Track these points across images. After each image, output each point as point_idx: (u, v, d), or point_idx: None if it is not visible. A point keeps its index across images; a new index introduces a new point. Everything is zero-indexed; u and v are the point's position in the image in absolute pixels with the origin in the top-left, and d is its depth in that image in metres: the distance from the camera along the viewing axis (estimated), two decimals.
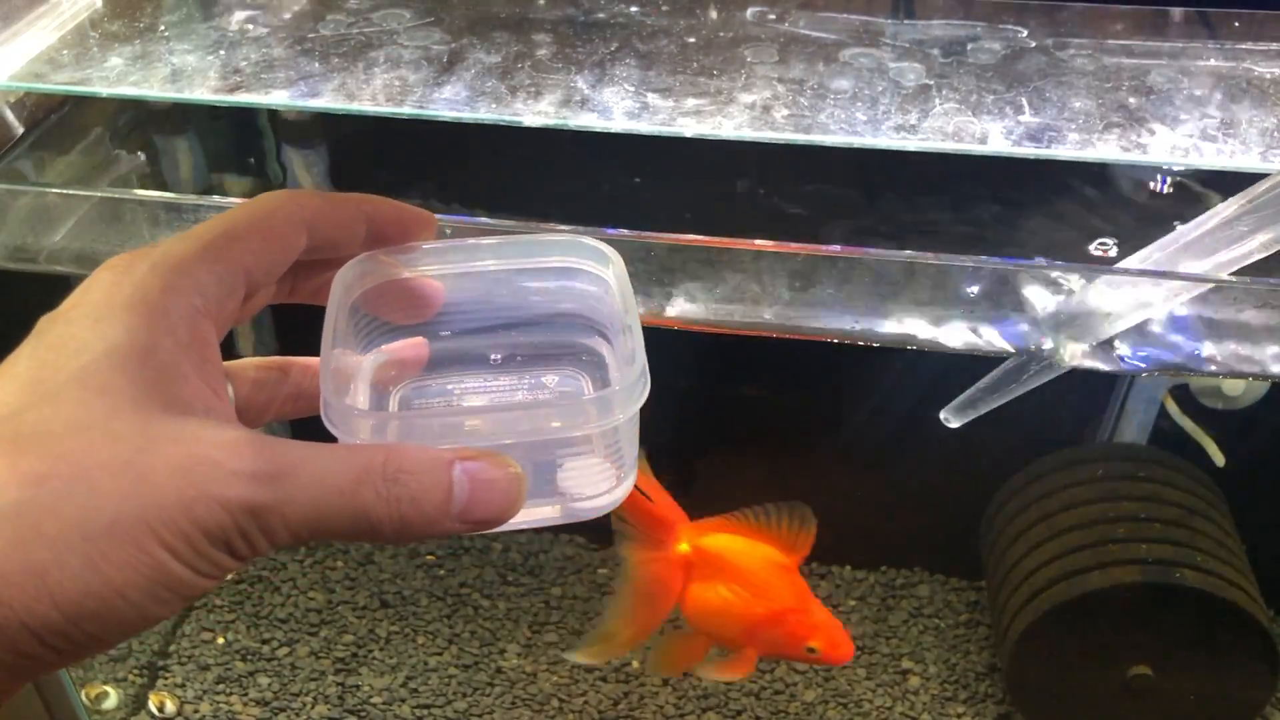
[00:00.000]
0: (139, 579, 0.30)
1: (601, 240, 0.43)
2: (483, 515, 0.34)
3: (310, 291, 0.42)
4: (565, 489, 0.39)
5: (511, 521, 0.35)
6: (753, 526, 0.98)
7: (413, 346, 0.43)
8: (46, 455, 0.30)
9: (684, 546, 0.98)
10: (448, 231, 0.57)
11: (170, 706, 1.17)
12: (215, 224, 0.37)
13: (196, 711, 1.17)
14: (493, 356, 0.43)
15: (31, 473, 0.30)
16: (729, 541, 0.98)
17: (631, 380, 0.37)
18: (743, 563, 0.98)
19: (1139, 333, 0.61)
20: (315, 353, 0.39)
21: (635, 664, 1.21)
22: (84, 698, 1.12)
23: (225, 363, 0.38)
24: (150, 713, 1.17)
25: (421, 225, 0.41)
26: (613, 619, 0.98)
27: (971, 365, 0.68)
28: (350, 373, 0.41)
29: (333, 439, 0.36)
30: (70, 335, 0.33)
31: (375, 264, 0.41)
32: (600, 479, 0.39)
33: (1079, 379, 1.16)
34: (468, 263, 0.43)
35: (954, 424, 0.59)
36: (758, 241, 0.60)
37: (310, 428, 0.37)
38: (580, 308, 0.43)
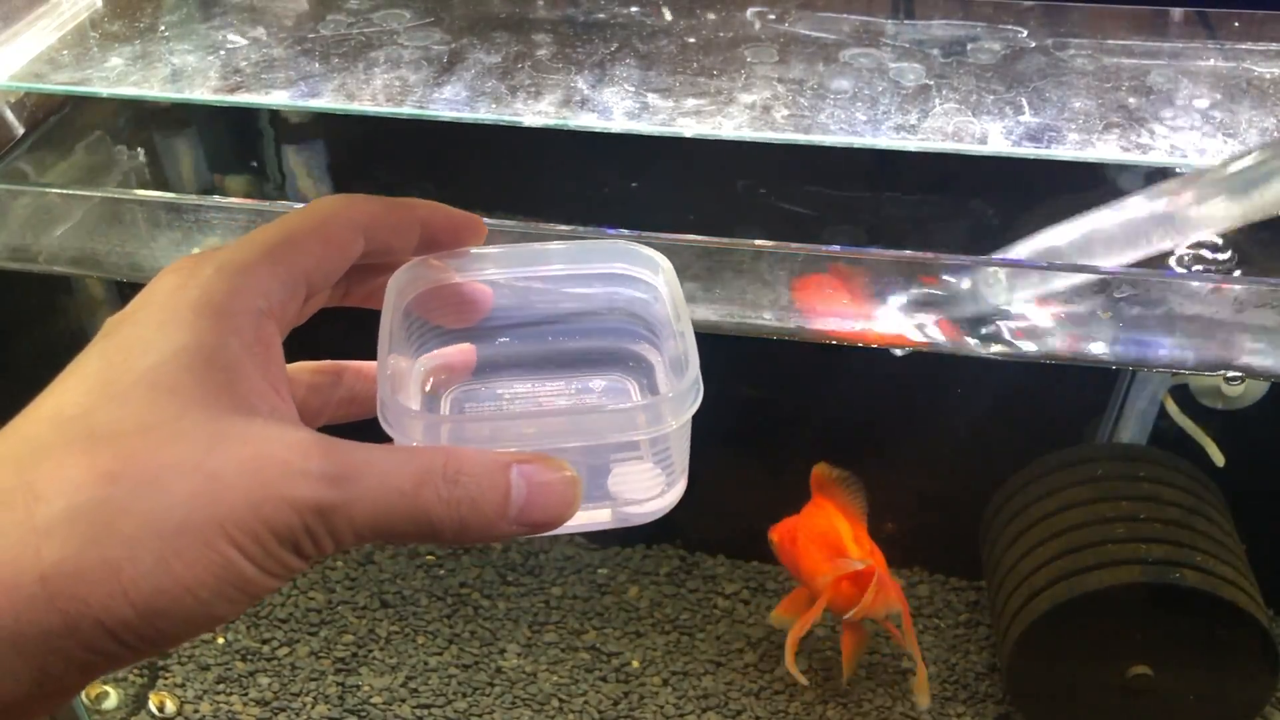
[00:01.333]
0: (209, 578, 0.30)
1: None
2: (540, 518, 0.34)
3: (363, 295, 0.42)
4: (616, 494, 0.39)
5: (564, 525, 0.35)
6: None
7: (462, 351, 0.44)
8: (119, 454, 0.30)
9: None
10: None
11: (170, 706, 1.18)
12: (275, 228, 0.37)
13: (196, 711, 1.17)
14: (540, 360, 0.44)
15: (106, 471, 0.30)
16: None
17: (684, 388, 0.38)
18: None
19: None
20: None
21: (635, 664, 1.21)
22: (84, 698, 1.12)
23: None
24: (150, 713, 1.17)
25: (472, 230, 0.42)
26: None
27: (970, 365, 0.67)
28: (404, 376, 0.42)
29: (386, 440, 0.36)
30: (138, 336, 0.33)
31: (427, 269, 0.42)
32: (651, 484, 0.39)
33: (1079, 379, 1.16)
34: (517, 268, 0.43)
35: None
36: (757, 241, 0.60)
37: (353, 432, 0.37)
38: (629, 313, 0.44)
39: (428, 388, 0.43)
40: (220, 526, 0.30)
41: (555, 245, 0.44)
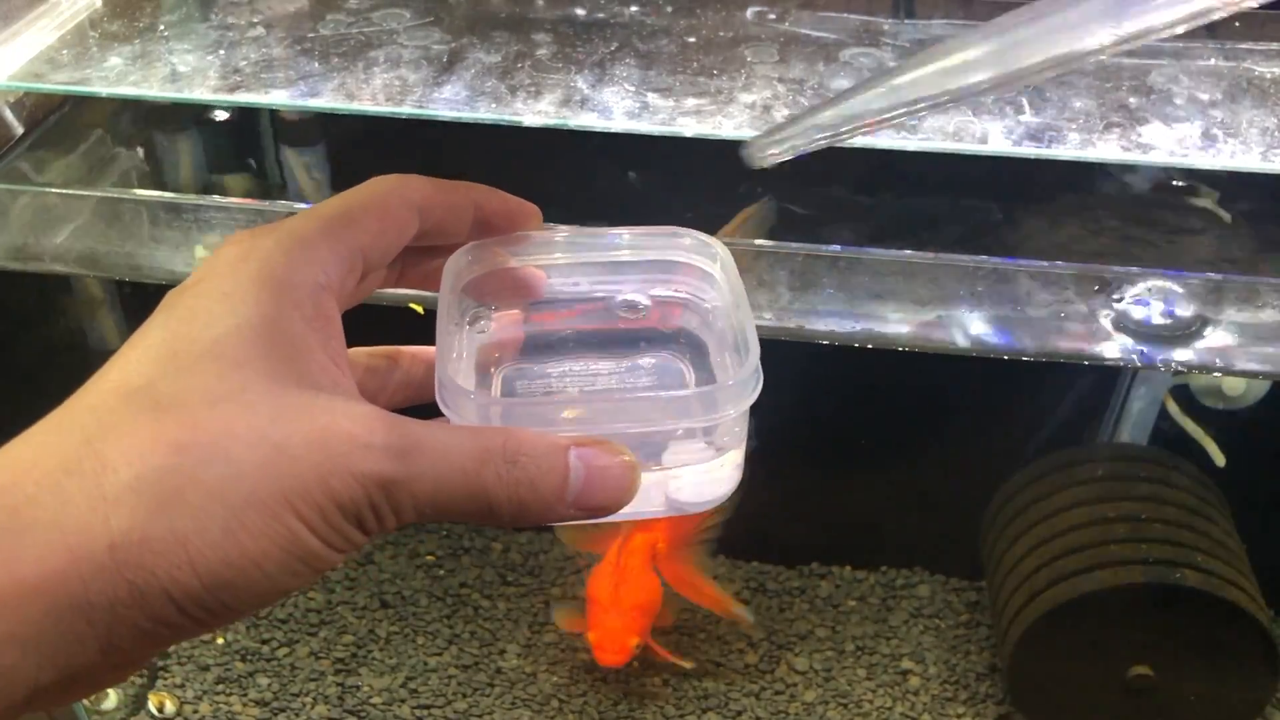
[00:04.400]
0: (274, 549, 0.30)
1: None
2: (598, 502, 0.34)
3: (420, 277, 0.42)
4: (670, 481, 0.39)
5: (620, 512, 0.35)
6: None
7: (513, 329, 0.44)
8: (186, 424, 0.30)
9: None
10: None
11: (170, 706, 1.17)
12: (334, 204, 0.37)
13: (196, 712, 1.17)
14: (593, 339, 0.44)
15: (174, 440, 0.30)
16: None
17: (745, 375, 0.37)
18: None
19: None
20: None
21: (635, 664, 1.21)
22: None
23: None
24: (150, 713, 1.17)
25: (527, 215, 0.42)
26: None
27: (970, 365, 0.67)
28: (461, 357, 0.42)
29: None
30: (201, 308, 0.33)
31: (483, 252, 0.42)
32: (706, 472, 0.39)
33: (1079, 379, 1.16)
34: (572, 252, 0.44)
35: (765, 162, 0.53)
36: (758, 241, 0.60)
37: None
38: (683, 298, 0.44)
39: (480, 367, 0.43)
40: (286, 498, 0.30)
41: (614, 231, 0.44)
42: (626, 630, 1.10)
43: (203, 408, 0.31)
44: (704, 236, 0.43)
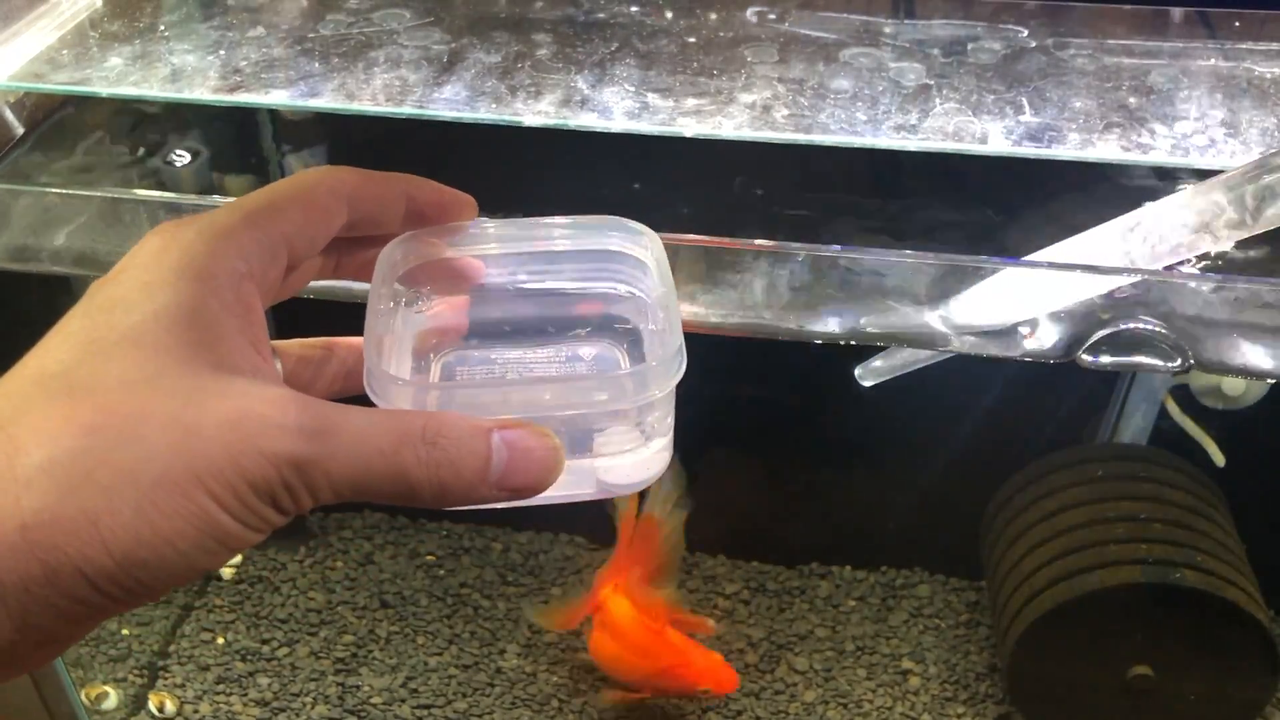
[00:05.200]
0: (187, 529, 0.30)
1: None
2: (520, 483, 0.35)
3: (354, 268, 0.43)
4: (599, 464, 0.39)
5: (546, 494, 0.36)
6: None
7: (452, 315, 0.44)
8: (100, 407, 0.31)
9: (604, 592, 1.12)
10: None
11: (170, 707, 1.17)
12: (258, 195, 0.38)
13: (196, 712, 1.17)
14: (531, 328, 0.44)
15: (86, 423, 0.30)
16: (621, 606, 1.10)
17: (668, 356, 0.38)
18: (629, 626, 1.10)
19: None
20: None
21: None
22: (84, 698, 1.12)
23: (272, 341, 0.39)
24: (150, 713, 1.17)
25: (461, 206, 0.43)
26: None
27: (969, 365, 0.67)
28: (394, 346, 0.42)
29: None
30: (120, 297, 0.34)
31: (418, 242, 0.43)
32: (634, 455, 0.39)
33: (1079, 379, 1.15)
34: (508, 243, 0.44)
35: (868, 382, 0.58)
36: (758, 241, 0.60)
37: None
38: (618, 285, 0.44)
39: (417, 353, 0.43)
40: (198, 478, 0.30)
41: (548, 220, 0.44)
42: (669, 671, 1.09)
43: (116, 391, 0.31)
44: (636, 225, 0.44)
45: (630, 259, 0.44)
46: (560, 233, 0.44)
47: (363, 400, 0.38)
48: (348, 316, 0.50)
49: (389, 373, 0.37)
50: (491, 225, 0.43)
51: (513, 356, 0.43)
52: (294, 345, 0.43)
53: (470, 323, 0.44)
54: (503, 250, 0.44)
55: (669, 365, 0.38)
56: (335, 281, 0.44)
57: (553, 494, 0.36)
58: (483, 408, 0.36)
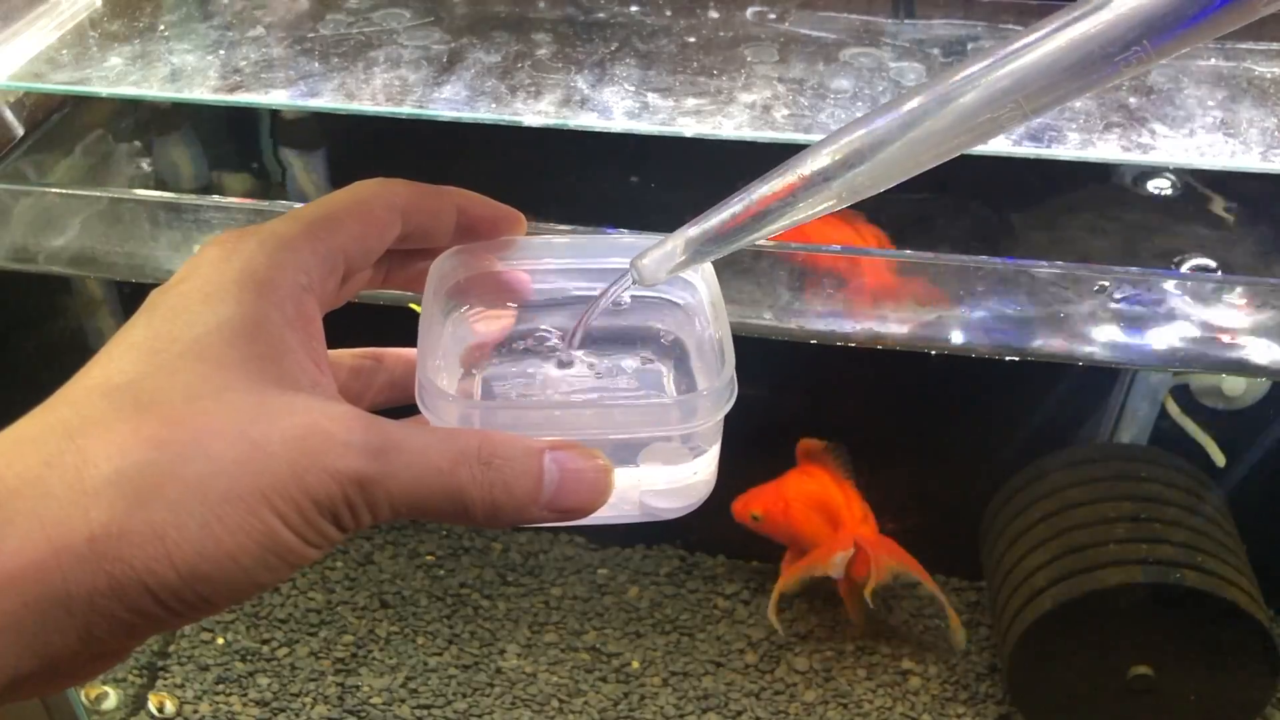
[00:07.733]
0: (251, 544, 0.31)
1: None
2: (571, 504, 0.35)
3: (405, 279, 0.43)
4: (644, 488, 0.39)
5: (594, 516, 0.36)
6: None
7: (497, 330, 0.44)
8: (166, 421, 0.31)
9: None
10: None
11: (170, 707, 1.17)
12: (316, 206, 0.38)
13: (196, 712, 1.17)
14: (576, 343, 0.44)
15: (153, 437, 0.31)
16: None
17: (720, 385, 0.38)
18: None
19: None
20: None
21: (635, 664, 1.21)
22: (84, 698, 1.12)
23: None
24: (150, 713, 1.17)
25: (511, 221, 0.43)
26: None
27: (970, 365, 0.67)
28: (444, 359, 0.42)
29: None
30: (183, 308, 0.34)
31: (468, 256, 0.43)
32: (680, 480, 0.39)
33: (1079, 379, 1.16)
34: (556, 258, 0.44)
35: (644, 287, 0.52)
36: (757, 242, 0.60)
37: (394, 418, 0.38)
38: (664, 305, 0.45)
39: (464, 365, 0.43)
40: (263, 494, 0.31)
41: (594, 237, 0.45)
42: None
43: (183, 405, 0.31)
44: None
45: (679, 279, 0.44)
46: (608, 248, 0.44)
47: (408, 412, 0.38)
48: (377, 321, 0.50)
49: (441, 388, 0.37)
50: (542, 240, 0.44)
51: (555, 372, 0.43)
52: (346, 356, 0.43)
53: (515, 336, 0.44)
54: (551, 264, 0.44)
55: (720, 395, 0.38)
56: (383, 291, 0.44)
57: (599, 516, 0.36)
58: (532, 426, 0.37)
